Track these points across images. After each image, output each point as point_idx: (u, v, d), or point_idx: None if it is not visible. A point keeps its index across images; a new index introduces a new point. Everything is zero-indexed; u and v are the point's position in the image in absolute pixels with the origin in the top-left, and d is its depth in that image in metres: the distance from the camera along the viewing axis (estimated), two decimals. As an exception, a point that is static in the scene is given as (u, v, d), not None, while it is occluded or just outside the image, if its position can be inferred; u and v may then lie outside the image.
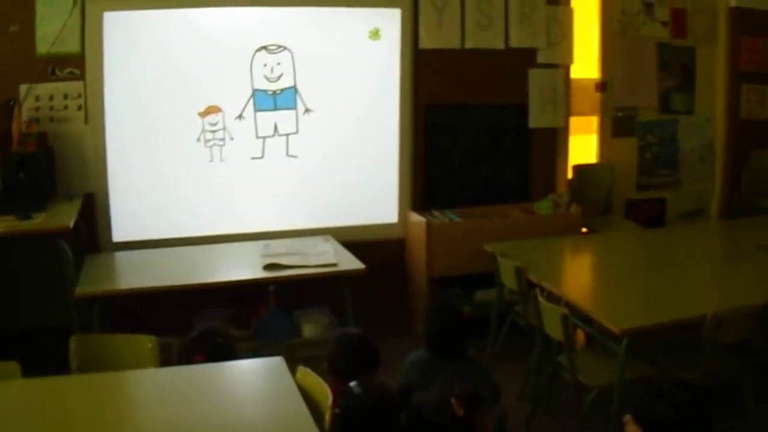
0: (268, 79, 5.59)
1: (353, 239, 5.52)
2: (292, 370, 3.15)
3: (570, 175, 6.56)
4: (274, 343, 4.84)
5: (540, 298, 4.25)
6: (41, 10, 5.14)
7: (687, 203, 7.14)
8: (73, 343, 3.52)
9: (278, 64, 5.60)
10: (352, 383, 3.18)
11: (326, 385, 3.05)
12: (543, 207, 6.10)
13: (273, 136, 5.67)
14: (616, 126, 6.77)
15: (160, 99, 5.41)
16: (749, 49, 7.04)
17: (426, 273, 5.69)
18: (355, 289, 4.90)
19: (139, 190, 5.46)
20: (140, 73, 5.33)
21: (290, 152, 5.72)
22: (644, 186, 6.96)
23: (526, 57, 6.23)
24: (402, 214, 6.05)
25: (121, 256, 5.22)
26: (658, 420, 2.61)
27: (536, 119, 6.32)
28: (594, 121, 6.77)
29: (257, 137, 5.64)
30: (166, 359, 3.82)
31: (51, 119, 5.25)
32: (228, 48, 5.49)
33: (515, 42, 6.14)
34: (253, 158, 5.65)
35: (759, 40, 7.05)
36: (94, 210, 5.36)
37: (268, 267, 4.82)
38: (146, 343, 3.54)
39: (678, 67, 6.93)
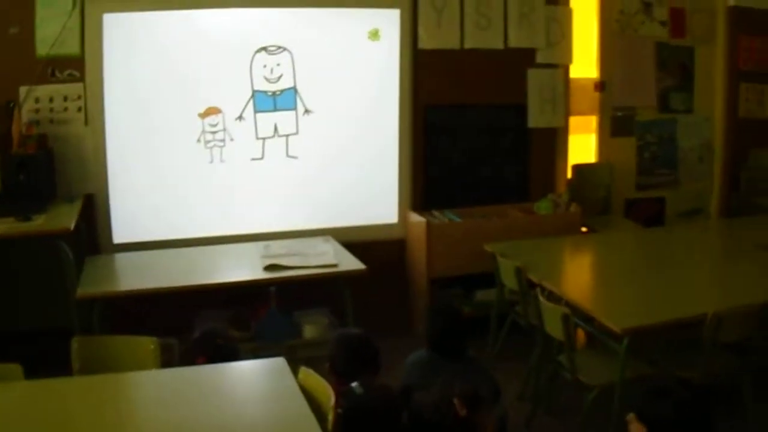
0: (267, 80, 5.60)
1: (353, 240, 5.53)
2: (293, 371, 3.15)
3: (569, 174, 6.57)
4: (275, 344, 4.84)
5: (541, 298, 4.26)
6: (41, 12, 5.14)
7: (686, 202, 7.14)
8: (75, 344, 3.52)
9: (278, 65, 5.60)
10: (354, 384, 3.19)
11: (328, 385, 3.05)
12: (542, 207, 6.10)
13: (273, 136, 5.67)
14: (615, 125, 6.78)
15: (160, 100, 5.41)
16: (748, 49, 7.04)
17: (426, 273, 5.70)
18: (355, 290, 4.90)
19: (139, 191, 5.46)
20: (140, 75, 5.34)
21: (290, 153, 5.73)
22: (643, 185, 6.97)
23: (525, 57, 6.24)
24: (402, 215, 6.05)
25: (121, 258, 5.23)
26: (662, 418, 2.62)
27: (535, 119, 6.33)
28: (593, 120, 6.77)
29: (257, 138, 5.64)
30: (167, 360, 3.83)
31: (51, 121, 5.25)
32: (228, 49, 5.50)
33: (514, 42, 6.15)
34: (253, 159, 5.66)
35: (757, 40, 7.06)
36: (94, 211, 5.37)
37: (269, 268, 4.83)
38: (148, 344, 3.54)
39: (677, 67, 6.94)
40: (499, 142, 6.31)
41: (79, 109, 5.29)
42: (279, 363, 3.21)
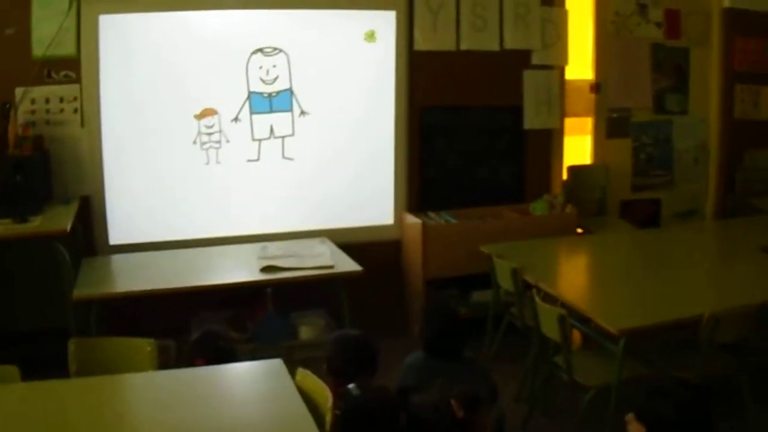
0: (263, 81, 5.60)
1: (349, 241, 5.54)
2: (290, 373, 3.15)
3: (565, 176, 6.58)
4: (271, 345, 4.84)
5: (537, 299, 4.26)
6: (37, 13, 5.13)
7: (681, 203, 7.16)
8: (72, 346, 3.52)
9: (274, 66, 5.60)
10: (351, 385, 3.19)
11: (326, 386, 3.05)
12: (538, 208, 6.11)
13: (269, 138, 5.67)
14: (611, 127, 6.79)
15: (156, 102, 5.40)
16: (743, 50, 7.06)
17: (422, 274, 5.70)
18: (351, 291, 4.91)
19: (135, 192, 5.45)
20: (136, 76, 5.33)
21: (286, 154, 5.73)
22: (639, 186, 6.98)
23: (521, 58, 6.25)
24: (398, 216, 6.06)
25: (117, 259, 5.23)
26: (661, 418, 2.63)
27: (531, 120, 6.34)
28: (588, 122, 6.78)
29: (253, 140, 5.64)
30: (164, 362, 3.82)
31: (47, 122, 5.24)
32: (224, 50, 5.49)
33: (510, 43, 6.16)
34: (249, 160, 5.66)
35: (752, 41, 7.08)
36: (90, 213, 5.36)
37: (265, 269, 4.83)
38: (145, 346, 3.54)
39: (672, 68, 6.96)
40: (495, 144, 6.32)
41: (75, 111, 5.28)
42: (276, 364, 3.20)
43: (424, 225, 5.70)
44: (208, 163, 5.56)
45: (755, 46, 7.10)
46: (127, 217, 5.45)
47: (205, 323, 4.88)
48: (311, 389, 3.06)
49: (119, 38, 5.26)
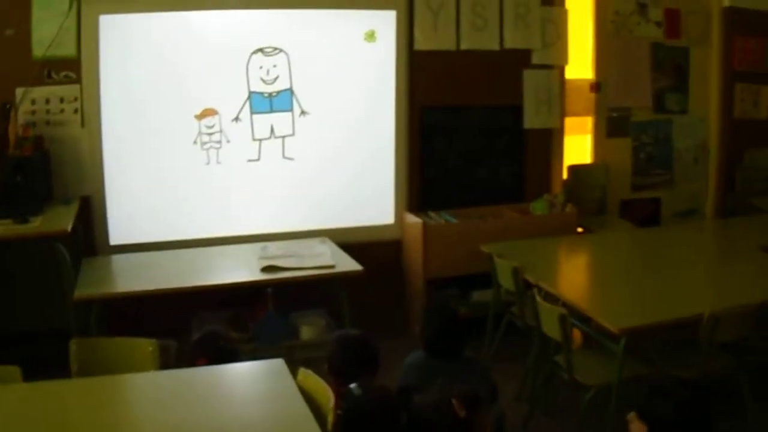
0: (264, 81, 5.60)
1: (350, 241, 5.55)
2: (291, 373, 3.16)
3: (565, 175, 6.59)
4: (272, 345, 4.84)
5: (538, 298, 4.27)
6: (37, 13, 5.13)
7: (681, 203, 7.16)
8: (73, 346, 3.52)
9: (274, 66, 5.60)
10: (353, 385, 3.19)
11: (328, 386, 3.05)
12: (538, 207, 6.12)
13: (269, 138, 5.68)
14: (611, 126, 6.79)
15: (157, 102, 5.41)
16: (743, 49, 7.07)
17: (422, 274, 5.70)
18: (351, 291, 4.91)
19: (135, 193, 5.46)
20: (136, 76, 5.34)
21: (286, 154, 5.73)
22: (639, 186, 6.99)
23: (521, 58, 6.25)
24: (398, 216, 6.06)
25: (118, 259, 5.23)
26: (663, 417, 2.64)
27: (531, 120, 6.34)
28: (588, 121, 6.79)
29: (253, 139, 5.64)
30: (164, 362, 3.82)
31: (47, 123, 5.24)
32: (224, 50, 5.50)
33: (510, 43, 6.16)
34: (250, 160, 5.66)
35: (752, 40, 7.08)
36: (90, 213, 5.36)
37: (266, 269, 4.83)
38: (146, 346, 3.54)
39: (672, 68, 6.96)
40: (495, 143, 6.32)
41: (76, 111, 5.28)
42: (278, 364, 3.21)
43: (424, 225, 5.70)
44: (208, 163, 5.57)
45: (755, 46, 7.10)
46: (128, 218, 5.46)
47: (205, 323, 4.88)
48: (313, 389, 3.06)
49: (119, 38, 5.26)
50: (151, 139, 5.44)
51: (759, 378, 4.32)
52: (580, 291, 4.65)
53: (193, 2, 5.38)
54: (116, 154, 5.37)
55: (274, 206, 5.76)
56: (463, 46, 6.04)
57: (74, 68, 5.24)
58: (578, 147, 6.80)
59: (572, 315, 4.12)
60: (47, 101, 5.23)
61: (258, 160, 5.67)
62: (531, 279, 4.62)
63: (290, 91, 5.67)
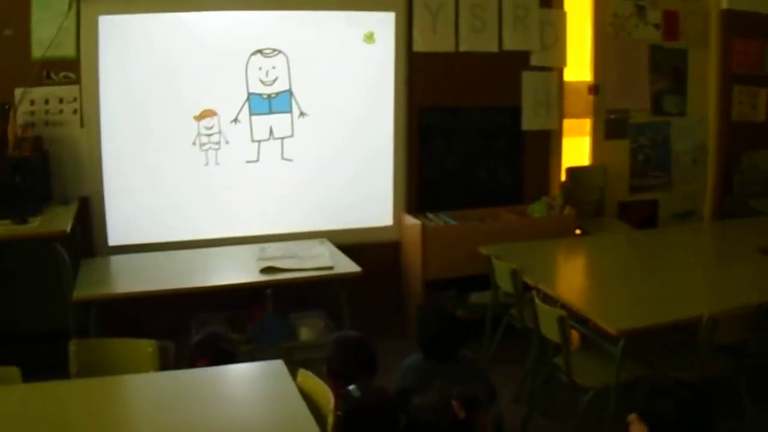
0: (263, 82, 5.60)
1: (348, 242, 5.55)
2: (290, 374, 3.16)
3: (563, 177, 6.59)
4: (271, 346, 4.84)
5: (537, 300, 4.27)
6: (36, 14, 5.13)
7: (679, 205, 7.17)
8: (73, 347, 3.52)
9: (273, 67, 5.61)
10: (351, 387, 3.20)
11: (327, 388, 3.06)
12: (536, 209, 6.12)
13: (268, 139, 5.68)
14: (609, 128, 6.80)
15: (156, 103, 5.41)
16: (741, 51, 7.08)
17: (421, 275, 5.71)
18: (350, 292, 4.91)
19: (134, 193, 5.46)
20: (135, 77, 5.34)
21: (285, 155, 5.74)
22: (637, 188, 7.00)
23: (520, 60, 6.26)
24: (397, 217, 6.07)
25: (117, 260, 5.23)
26: (662, 418, 2.64)
27: (529, 122, 6.35)
28: (587, 123, 6.80)
29: (252, 141, 5.65)
30: (163, 363, 3.82)
31: (46, 123, 5.24)
32: (223, 52, 5.50)
33: (509, 45, 6.17)
34: (249, 162, 5.66)
35: (751, 42, 7.10)
36: (89, 214, 5.36)
37: (265, 270, 4.83)
38: (146, 347, 3.54)
39: (670, 70, 6.97)
40: (494, 145, 6.33)
41: (75, 112, 5.28)
42: (277, 365, 3.21)
43: (423, 226, 5.71)
44: (207, 164, 5.57)
45: (753, 48, 7.12)
46: (127, 218, 5.46)
47: (204, 324, 4.89)
48: (313, 390, 3.06)
49: (119, 39, 5.26)
50: (150, 140, 5.44)
51: (757, 380, 4.33)
52: (579, 293, 4.65)
53: (192, 3, 5.38)
54: (115, 154, 5.38)
55: (273, 207, 5.77)
56: (462, 48, 6.05)
57: (73, 69, 5.24)
58: (576, 149, 6.81)
59: (571, 317, 4.12)
60: (46, 102, 5.23)
61: (257, 161, 5.68)
62: (530, 281, 4.63)
63: (289, 92, 5.67)
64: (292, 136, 5.73)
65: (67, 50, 5.20)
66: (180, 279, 4.79)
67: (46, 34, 5.15)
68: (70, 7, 5.15)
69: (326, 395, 2.99)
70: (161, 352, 3.68)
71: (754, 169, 7.09)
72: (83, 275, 4.75)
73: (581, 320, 4.33)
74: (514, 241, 5.47)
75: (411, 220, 5.88)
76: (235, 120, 5.58)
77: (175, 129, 5.47)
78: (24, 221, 4.60)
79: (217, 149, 5.57)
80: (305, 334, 5.15)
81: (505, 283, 4.93)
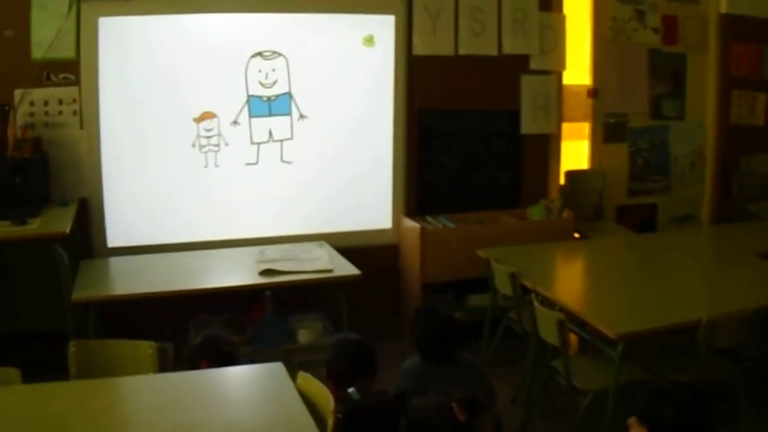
0: (262, 85, 5.61)
1: (347, 245, 5.54)
2: (290, 376, 3.16)
3: (562, 180, 6.60)
4: (270, 348, 4.84)
5: (536, 303, 4.27)
6: (36, 15, 5.13)
7: (678, 208, 7.18)
8: (73, 348, 3.53)
9: (273, 70, 5.61)
10: (351, 389, 3.21)
11: (327, 390, 3.06)
12: (535, 213, 6.12)
13: (268, 141, 5.68)
14: (608, 132, 6.81)
15: (155, 104, 5.41)
16: (739, 55, 7.10)
17: (420, 278, 5.71)
18: (348, 295, 4.90)
19: (133, 195, 5.46)
20: (135, 79, 5.34)
21: (285, 158, 5.74)
22: (635, 191, 7.00)
23: (519, 63, 6.26)
24: (395, 220, 6.07)
25: (115, 262, 5.22)
26: (661, 420, 2.65)
27: (528, 125, 6.35)
28: (586, 127, 6.80)
29: (252, 143, 5.65)
30: (162, 365, 3.82)
31: (46, 124, 5.24)
32: (223, 54, 5.50)
33: (508, 48, 6.17)
34: (248, 164, 5.66)
35: (749, 46, 7.11)
36: (88, 215, 5.36)
37: (264, 272, 4.83)
38: (146, 349, 3.55)
39: (669, 74, 6.98)
40: (493, 148, 6.33)
41: (74, 113, 5.28)
42: (277, 368, 3.21)
43: (421, 229, 5.71)
44: (206, 166, 5.57)
45: (752, 52, 7.13)
46: (126, 220, 5.46)
47: (203, 326, 4.91)
48: (313, 393, 3.07)
49: (119, 41, 5.26)
50: (149, 142, 5.44)
51: (755, 383, 4.33)
52: (578, 296, 4.66)
53: (192, 5, 5.38)
54: (114, 156, 5.38)
55: (272, 210, 5.77)
56: (462, 51, 6.05)
57: (73, 70, 5.24)
58: (575, 152, 6.82)
59: (569, 320, 4.12)
60: (46, 103, 5.23)
61: (256, 163, 5.68)
62: (528, 284, 4.63)
63: (289, 95, 5.67)
64: (291, 138, 5.73)
65: (67, 51, 5.20)
66: (179, 281, 4.78)
67: (46, 35, 5.14)
68: (70, 9, 5.16)
69: (326, 397, 2.99)
70: (160, 353, 3.68)
71: (752, 173, 7.10)
72: (82, 276, 4.75)
73: (580, 323, 4.33)
74: (512, 245, 5.47)
75: (410, 223, 5.88)
76: (235, 122, 5.58)
77: (175, 131, 5.47)
78: (23, 222, 4.59)
79: (216, 151, 5.57)
80: (304, 336, 5.15)
81: (503, 286, 4.93)
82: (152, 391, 3.12)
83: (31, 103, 5.20)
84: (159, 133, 5.45)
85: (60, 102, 5.25)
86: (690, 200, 7.21)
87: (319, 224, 5.82)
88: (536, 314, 4.29)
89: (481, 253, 5.19)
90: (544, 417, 4.68)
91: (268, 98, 5.63)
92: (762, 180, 7.05)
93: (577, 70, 6.65)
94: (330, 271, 4.92)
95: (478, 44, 6.09)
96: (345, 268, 5.00)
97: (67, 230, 4.55)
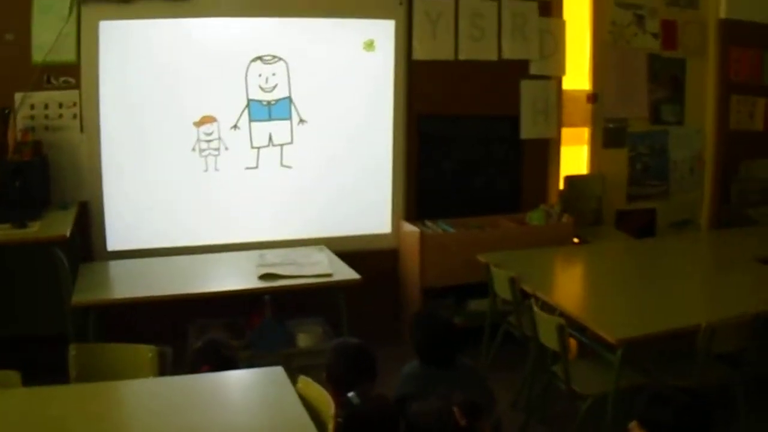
0: (263, 89, 5.61)
1: (347, 249, 5.54)
2: (289, 380, 3.16)
3: (561, 185, 6.60)
4: (269, 352, 4.84)
5: (535, 308, 4.28)
6: (37, 18, 5.14)
7: (677, 213, 7.19)
8: (73, 351, 3.52)
9: (273, 74, 5.62)
10: (351, 394, 3.21)
11: (328, 394, 3.06)
12: (535, 217, 6.13)
13: (267, 146, 5.69)
14: (607, 137, 6.82)
15: (155, 108, 5.41)
16: (739, 60, 7.10)
17: (419, 283, 5.71)
18: (348, 299, 4.90)
19: (133, 199, 5.46)
20: (135, 83, 5.34)
21: (284, 162, 5.74)
22: (634, 196, 7.01)
23: (519, 68, 6.28)
24: (395, 225, 6.07)
25: (115, 265, 5.22)
26: (663, 426, 2.65)
27: (528, 130, 6.36)
28: (585, 132, 6.81)
29: (252, 147, 5.65)
30: (161, 368, 3.82)
31: (46, 128, 5.24)
32: (223, 58, 5.51)
33: (508, 54, 6.18)
34: (248, 168, 5.67)
35: (749, 51, 7.12)
36: (88, 218, 5.36)
37: (264, 277, 4.83)
38: (146, 352, 3.55)
39: (668, 79, 6.99)
40: (492, 153, 6.33)
41: (75, 116, 5.29)
42: (277, 372, 3.20)
43: (421, 234, 5.72)
44: (206, 170, 5.57)
45: (751, 57, 7.14)
46: (125, 223, 5.46)
47: (202, 330, 4.90)
48: (313, 397, 3.06)
49: (119, 45, 5.27)
50: (149, 145, 5.44)
51: (755, 388, 4.34)
52: (577, 301, 4.67)
53: (193, 10, 5.38)
54: (114, 159, 5.38)
55: (272, 214, 5.77)
56: (462, 56, 6.06)
57: (73, 74, 5.24)
58: (575, 157, 6.82)
59: (569, 325, 4.13)
60: (46, 106, 5.23)
61: (256, 167, 5.68)
62: (528, 289, 4.63)
63: (289, 99, 5.68)
64: (291, 142, 5.74)
65: (68, 55, 5.21)
66: (178, 285, 4.78)
67: (46, 38, 5.15)
68: (70, 12, 5.16)
69: (327, 402, 2.98)
70: (160, 357, 3.68)
71: (751, 179, 7.11)
72: (82, 280, 4.75)
73: (579, 328, 4.34)
74: (512, 249, 5.47)
75: (409, 228, 5.89)
76: (235, 126, 5.59)
77: (175, 135, 5.48)
78: (23, 226, 4.59)
79: (216, 155, 5.58)
80: (303, 340, 5.15)
81: (503, 290, 4.93)
82: (152, 395, 3.11)
83: (32, 107, 5.20)
84: (159, 137, 5.45)
85: (60, 105, 5.25)
86: (689, 205, 7.22)
87: (318, 228, 5.82)
88: (536, 319, 4.30)
89: (481, 258, 5.19)
90: (543, 421, 4.68)
91: (268, 102, 5.64)
92: (761, 185, 7.06)
93: (577, 75, 6.66)
94: (330, 275, 4.93)
95: (478, 49, 6.10)
96: (345, 272, 5.00)
97: (68, 233, 4.54)
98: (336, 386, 3.38)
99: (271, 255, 5.28)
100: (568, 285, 5.19)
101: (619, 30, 6.69)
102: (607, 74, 6.70)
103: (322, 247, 5.56)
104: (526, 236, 5.92)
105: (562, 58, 6.40)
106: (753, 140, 7.23)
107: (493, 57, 6.16)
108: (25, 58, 5.14)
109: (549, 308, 4.30)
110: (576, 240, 6.23)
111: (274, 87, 5.63)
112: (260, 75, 5.59)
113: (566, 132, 6.64)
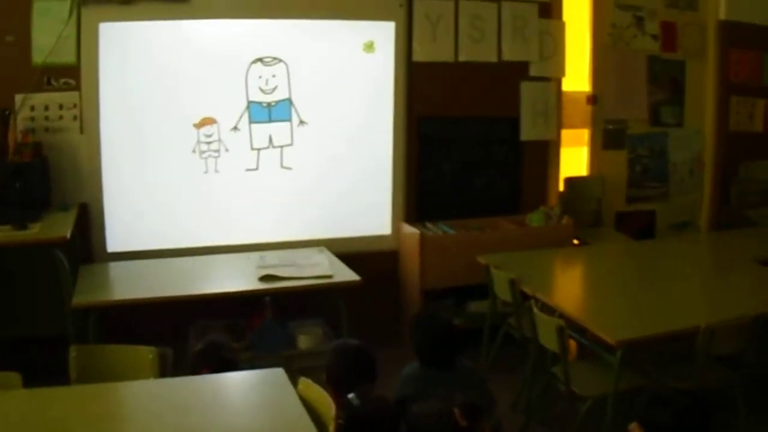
0: (263, 91, 5.62)
1: (347, 251, 5.55)
2: (290, 381, 3.16)
3: (561, 187, 6.61)
4: (270, 354, 4.84)
5: (535, 310, 4.28)
6: (37, 20, 5.14)
7: (676, 215, 7.19)
8: (73, 353, 3.53)
9: (273, 76, 5.62)
10: (351, 395, 3.21)
11: (328, 396, 3.06)
12: (535, 219, 6.13)
13: (268, 147, 5.69)
14: (607, 139, 6.82)
15: (156, 110, 5.41)
16: (738, 62, 7.11)
17: (419, 284, 5.71)
18: (348, 301, 4.90)
19: (133, 200, 5.46)
20: (135, 84, 5.35)
21: (285, 164, 5.75)
22: (634, 198, 7.01)
23: (519, 70, 6.28)
24: (395, 226, 6.08)
25: (115, 267, 5.22)
26: (663, 428, 2.65)
27: (528, 132, 6.36)
28: (585, 133, 6.82)
29: (252, 149, 5.66)
30: (162, 370, 3.82)
31: (46, 129, 5.24)
32: (223, 60, 5.51)
33: (508, 55, 6.19)
34: (248, 170, 5.67)
35: (748, 53, 7.13)
36: (88, 220, 5.36)
37: (264, 278, 4.84)
38: (146, 354, 3.55)
39: (668, 80, 6.99)
40: (492, 155, 6.34)
41: (75, 118, 5.29)
42: (278, 373, 3.20)
43: (421, 235, 5.72)
44: (206, 172, 5.58)
45: (751, 59, 7.15)
46: (126, 225, 5.46)
47: (203, 332, 4.90)
48: (313, 398, 3.06)
49: (119, 46, 5.27)
50: (149, 147, 5.44)
51: (754, 390, 4.34)
52: (577, 302, 4.67)
53: (192, 11, 5.38)
54: (114, 161, 5.38)
55: (272, 215, 5.77)
56: (461, 58, 6.07)
57: (74, 75, 5.25)
58: (574, 159, 6.83)
59: (569, 326, 4.13)
60: (46, 108, 5.23)
61: (256, 169, 5.69)
62: (528, 290, 4.63)
63: (289, 100, 5.68)
64: (291, 144, 5.74)
65: (68, 57, 5.21)
66: (179, 286, 4.78)
67: (46, 40, 5.14)
68: (70, 14, 5.16)
69: (327, 403, 2.99)
70: (160, 359, 3.68)
71: (751, 180, 7.11)
72: (82, 281, 4.75)
73: (579, 330, 4.34)
74: (512, 251, 5.47)
75: (409, 230, 5.89)
76: (235, 128, 5.59)
77: (175, 136, 5.48)
78: (24, 227, 4.60)
79: (216, 157, 5.58)
80: (304, 342, 5.15)
81: (503, 292, 4.93)
82: (152, 397, 3.11)
83: (32, 108, 5.20)
84: (159, 139, 5.45)
85: (60, 107, 5.26)
86: (689, 207, 7.22)
87: (318, 230, 5.82)
88: (536, 320, 4.30)
89: (481, 260, 5.19)
90: (543, 423, 4.69)
91: (268, 104, 5.64)
92: (761, 186, 7.07)
93: (577, 76, 6.67)
94: (330, 276, 4.93)
95: (478, 51, 6.11)
96: (345, 274, 5.00)
97: (68, 235, 4.55)
98: (336, 388, 3.39)
99: (271, 256, 5.29)
100: (568, 286, 5.19)
101: (618, 32, 6.70)
102: (606, 76, 6.71)
103: (323, 248, 5.56)
104: (526, 238, 5.92)
105: (562, 60, 6.41)
106: (752, 142, 7.24)
107: (493, 59, 6.16)
108: (25, 59, 5.14)
109: (549, 310, 4.30)
110: (576, 241, 6.23)
111: (274, 89, 5.64)
112: (260, 76, 5.60)
113: (566, 133, 6.64)
